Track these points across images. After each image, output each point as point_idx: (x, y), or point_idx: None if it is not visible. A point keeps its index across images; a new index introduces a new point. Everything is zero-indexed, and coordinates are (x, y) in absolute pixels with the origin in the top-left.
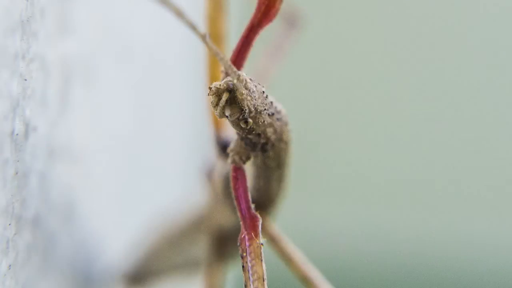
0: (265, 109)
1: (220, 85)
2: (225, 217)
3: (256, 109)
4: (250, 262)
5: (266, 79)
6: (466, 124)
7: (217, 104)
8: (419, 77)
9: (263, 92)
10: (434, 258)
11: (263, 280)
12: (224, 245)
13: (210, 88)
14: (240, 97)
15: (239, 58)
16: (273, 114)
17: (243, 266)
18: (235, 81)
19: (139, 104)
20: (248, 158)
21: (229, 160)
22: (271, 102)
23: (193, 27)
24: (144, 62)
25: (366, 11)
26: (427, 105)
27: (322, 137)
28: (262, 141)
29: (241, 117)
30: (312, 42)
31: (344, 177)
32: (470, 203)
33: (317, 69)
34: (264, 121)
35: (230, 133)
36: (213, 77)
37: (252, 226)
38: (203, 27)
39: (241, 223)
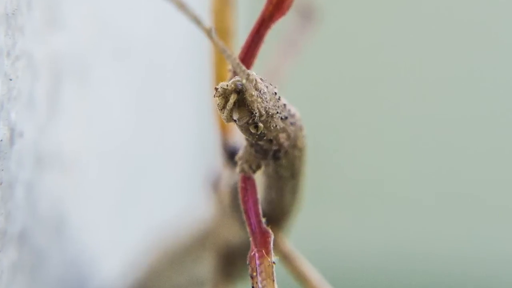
0: (277, 112)
1: (227, 85)
2: (233, 233)
3: (267, 112)
4: (261, 282)
5: (279, 79)
6: (497, 134)
7: (224, 107)
8: (451, 79)
9: (275, 93)
10: (464, 276)
11: None
12: (232, 263)
13: (216, 89)
14: (250, 99)
15: (248, 55)
16: (286, 117)
17: (252, 287)
18: (244, 81)
19: (137, 107)
20: (258, 166)
21: (238, 169)
22: (284, 105)
23: (197, 21)
24: (143, 60)
25: (389, 2)
26: (458, 112)
27: (340, 143)
28: (274, 147)
29: (250, 121)
30: (330, 37)
31: (366, 188)
32: (497, 220)
33: (335, 68)
34: (276, 126)
35: (239, 139)
36: (219, 77)
37: (263, 242)
38: (208, 21)
39: (250, 239)
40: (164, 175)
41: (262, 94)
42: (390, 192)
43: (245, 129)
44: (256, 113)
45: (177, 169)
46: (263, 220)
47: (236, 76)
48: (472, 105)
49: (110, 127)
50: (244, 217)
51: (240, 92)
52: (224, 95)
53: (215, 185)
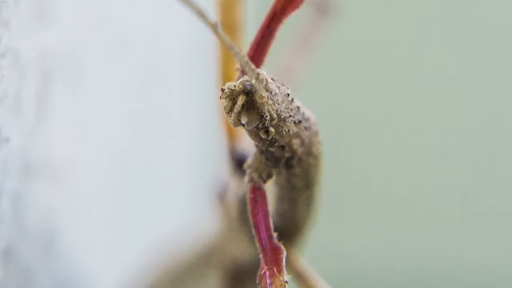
0: (290, 116)
1: (235, 86)
2: (241, 249)
3: (279, 115)
4: None
5: (292, 79)
6: None
7: (231, 110)
8: (482, 81)
9: (288, 94)
10: None
11: None
12: (240, 283)
13: (222, 90)
14: (260, 101)
15: (258, 52)
16: (300, 121)
17: None
18: (253, 81)
19: (135, 110)
20: (269, 176)
21: (246, 179)
22: (298, 107)
23: (201, 15)
24: (142, 58)
25: None
26: (489, 118)
27: (360, 150)
28: (287, 154)
29: (260, 125)
30: (348, 32)
31: (388, 200)
32: None
33: (353, 66)
34: (289, 131)
35: (247, 145)
36: (226, 77)
37: (274, 259)
38: (214, 14)
39: (260, 256)
40: (164, 186)
41: (273, 96)
42: (415, 205)
43: (254, 134)
44: (266, 116)
45: (179, 178)
46: (275, 235)
47: (244, 76)
48: (504, 110)
49: (106, 132)
50: (254, 231)
51: (249, 93)
52: (231, 96)
53: (221, 196)
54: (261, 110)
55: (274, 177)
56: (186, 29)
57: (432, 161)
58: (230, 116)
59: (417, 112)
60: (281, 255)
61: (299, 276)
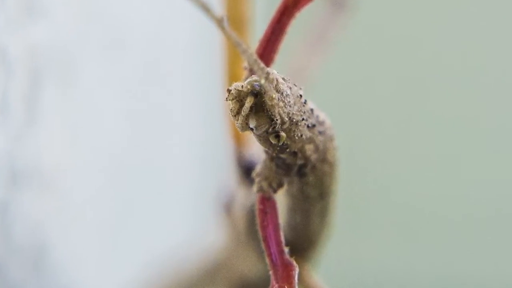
0: (303, 119)
1: (242, 86)
2: (249, 265)
3: (291, 119)
4: None
5: (305, 79)
6: None
7: (238, 112)
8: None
9: (301, 96)
10: None
11: None
12: None
13: (229, 91)
14: (270, 103)
15: (268, 50)
16: (313, 125)
17: None
18: (262, 81)
19: (133, 112)
20: (280, 185)
21: (255, 188)
22: (311, 110)
23: (206, 9)
24: (141, 55)
25: None
26: None
27: (379, 156)
28: (299, 162)
29: (270, 129)
30: (366, 28)
31: (408, 210)
32: None
33: (372, 65)
34: (301, 135)
35: (256, 151)
36: (233, 76)
37: (285, 276)
38: (219, 8)
39: (270, 272)
40: (165, 195)
41: (284, 97)
42: (438, 217)
43: (264, 139)
44: (277, 120)
45: (181, 187)
46: (286, 249)
47: (253, 75)
48: None
49: (101, 136)
50: (263, 246)
51: (257, 94)
52: (239, 98)
53: (228, 208)
54: (271, 113)
55: (285, 187)
56: (189, 24)
57: (458, 169)
58: (237, 120)
59: (442, 116)
60: (293, 272)
61: None
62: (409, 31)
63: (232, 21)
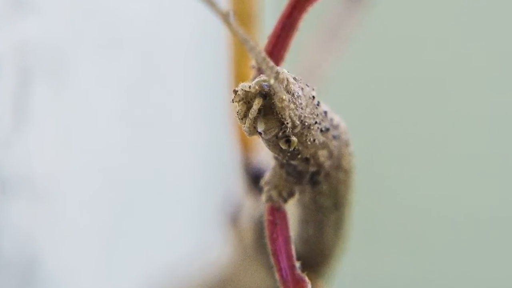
0: (315, 123)
1: (250, 87)
2: (257, 281)
3: (302, 122)
4: None
5: (318, 78)
6: None
7: (245, 115)
8: None
9: (313, 97)
10: None
11: None
12: None
13: (235, 92)
14: (280, 105)
15: (278, 47)
16: (327, 129)
17: None
18: (272, 81)
19: (131, 115)
20: (291, 194)
21: (264, 198)
22: (325, 113)
23: (210, 3)
24: (139, 53)
25: None
26: None
27: (399, 162)
28: (312, 169)
29: (280, 134)
30: (384, 23)
31: (430, 222)
32: None
33: (391, 64)
34: (314, 140)
35: (265, 157)
36: (239, 76)
37: None
38: (225, 2)
39: None
40: (166, 205)
41: (295, 99)
42: (463, 229)
43: (273, 144)
44: (287, 123)
45: (184, 197)
46: (297, 264)
47: (261, 75)
48: None
49: (96, 142)
50: (272, 260)
51: (266, 95)
52: (246, 99)
53: (234, 219)
54: (281, 115)
55: (296, 196)
56: (192, 20)
57: (486, 176)
58: (244, 123)
59: (467, 119)
60: None
61: None
62: (431, 26)
63: (239, 16)
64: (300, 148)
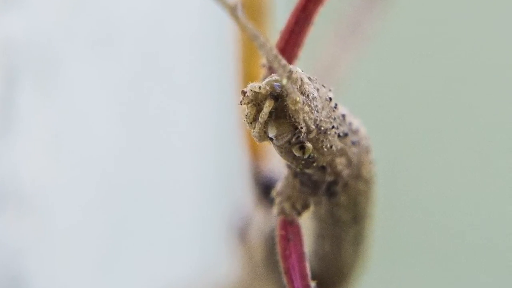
0: (333, 127)
1: (260, 88)
2: None
3: (318, 126)
4: None
5: (336, 79)
6: None
7: (255, 119)
8: None
9: (330, 99)
10: None
11: None
12: None
13: (244, 93)
14: (293, 108)
15: (291, 44)
16: (346, 135)
17: None
18: (284, 81)
19: (129, 118)
20: (305, 206)
21: (276, 210)
22: (343, 116)
23: None
24: (138, 51)
25: None
26: None
27: (423, 172)
28: (329, 178)
29: (294, 139)
30: (408, 20)
31: (458, 238)
32: None
33: (415, 64)
34: (331, 147)
35: (276, 165)
36: (249, 75)
37: None
38: None
39: None
40: (168, 219)
41: (310, 100)
42: (493, 247)
43: (286, 151)
44: (302, 127)
45: (188, 209)
46: (313, 284)
47: (272, 74)
48: None
49: (90, 149)
50: (285, 279)
51: (278, 97)
52: (256, 101)
53: (243, 234)
54: (295, 119)
55: (311, 208)
56: (196, 14)
57: None
58: (254, 128)
59: (499, 125)
60: None
61: None
62: (457, 24)
63: (248, 9)
64: (315, 155)
